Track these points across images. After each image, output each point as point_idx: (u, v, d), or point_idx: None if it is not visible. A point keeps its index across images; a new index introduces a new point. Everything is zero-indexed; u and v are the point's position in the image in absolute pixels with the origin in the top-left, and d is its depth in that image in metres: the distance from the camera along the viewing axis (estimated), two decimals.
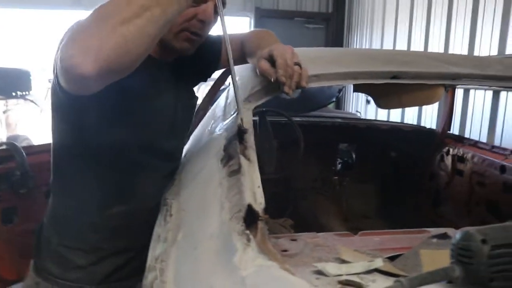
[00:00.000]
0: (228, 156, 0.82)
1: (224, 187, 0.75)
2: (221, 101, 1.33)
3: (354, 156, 2.54)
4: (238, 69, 1.01)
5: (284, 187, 2.27)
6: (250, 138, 0.84)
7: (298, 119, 2.26)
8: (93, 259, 0.91)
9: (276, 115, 1.93)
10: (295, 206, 2.32)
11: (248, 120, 0.89)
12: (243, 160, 0.78)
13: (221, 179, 0.77)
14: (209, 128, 1.12)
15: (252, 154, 0.81)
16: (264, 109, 1.67)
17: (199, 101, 1.32)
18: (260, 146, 1.15)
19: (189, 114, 1.01)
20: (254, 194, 0.70)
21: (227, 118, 1.02)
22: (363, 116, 5.09)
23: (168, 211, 0.88)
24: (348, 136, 2.43)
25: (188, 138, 1.27)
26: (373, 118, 4.73)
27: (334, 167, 2.52)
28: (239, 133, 0.85)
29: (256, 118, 1.64)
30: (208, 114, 1.45)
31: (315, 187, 2.42)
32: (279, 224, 1.21)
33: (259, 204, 0.69)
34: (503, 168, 1.69)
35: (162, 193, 0.96)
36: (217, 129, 1.02)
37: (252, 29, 3.80)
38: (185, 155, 1.11)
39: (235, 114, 0.95)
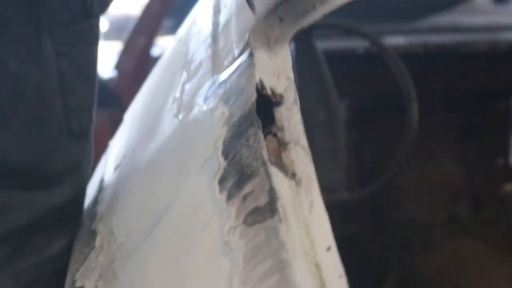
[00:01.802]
0: (237, 171, 0.74)
1: (238, 254, 0.69)
2: (199, 22, 1.23)
3: None
4: None
5: (373, 222, 2.09)
6: (292, 119, 0.76)
7: (398, 40, 1.97)
8: None
9: (342, 35, 1.75)
10: (406, 268, 2.08)
11: (284, 72, 0.81)
12: (279, 180, 0.70)
13: (225, 232, 0.72)
14: (177, 95, 1.05)
15: (304, 161, 0.73)
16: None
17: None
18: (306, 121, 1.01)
19: (82, 59, 0.99)
20: (319, 272, 0.64)
21: (224, 68, 0.93)
22: None
23: None
24: None
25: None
26: None
27: (504, 159, 2.28)
28: (263, 109, 0.76)
29: (292, 46, 1.51)
30: (165, 56, 1.33)
31: (457, 217, 2.21)
32: None
33: None
34: None
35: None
36: (199, 99, 0.94)
37: None
38: (117, 167, 1.04)
39: (245, 57, 0.87)
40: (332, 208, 0.79)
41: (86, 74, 1.06)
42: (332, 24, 1.62)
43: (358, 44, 1.82)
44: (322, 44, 1.62)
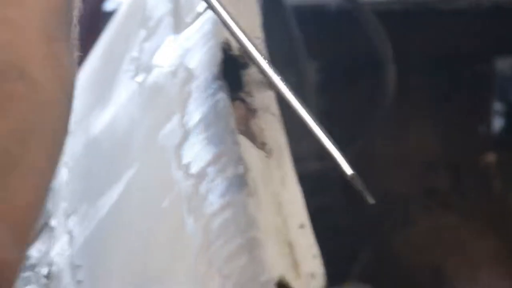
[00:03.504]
0: (201, 140, 0.77)
1: (202, 232, 0.71)
2: None
3: None
4: None
5: (344, 194, 2.02)
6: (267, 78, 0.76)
7: None
8: None
9: None
10: (379, 245, 2.09)
11: (253, 30, 0.81)
12: (248, 150, 0.71)
13: (192, 209, 0.73)
14: (135, 55, 1.06)
15: (275, 129, 0.74)
16: None
17: None
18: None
19: None
20: (292, 252, 0.64)
21: (187, 25, 0.94)
22: None
23: None
24: None
25: None
26: None
27: (486, 126, 2.26)
28: (230, 71, 0.78)
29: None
30: (121, 12, 1.35)
31: (434, 190, 2.19)
32: None
33: (313, 269, 0.62)
34: None
35: None
36: (159, 59, 0.96)
37: None
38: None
39: (210, 13, 0.85)
40: (300, 179, 0.77)
41: None
42: None
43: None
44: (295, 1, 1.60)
